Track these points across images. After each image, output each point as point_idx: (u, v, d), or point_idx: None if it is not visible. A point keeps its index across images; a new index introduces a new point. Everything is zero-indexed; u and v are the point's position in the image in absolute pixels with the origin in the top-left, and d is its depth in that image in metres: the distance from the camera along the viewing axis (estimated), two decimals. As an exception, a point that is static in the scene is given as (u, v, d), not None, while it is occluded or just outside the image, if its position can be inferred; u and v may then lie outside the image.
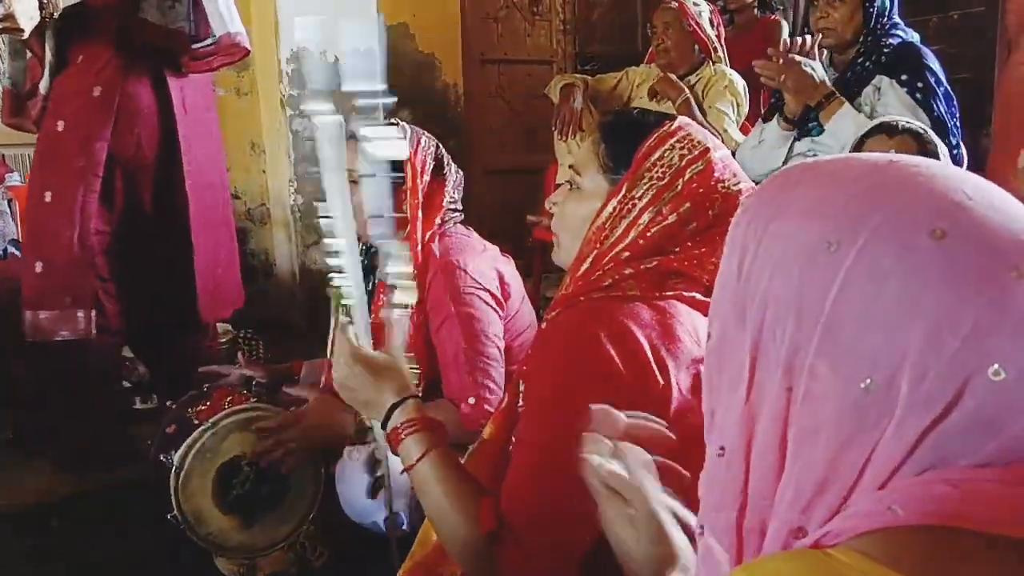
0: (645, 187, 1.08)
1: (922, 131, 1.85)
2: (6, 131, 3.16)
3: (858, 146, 1.91)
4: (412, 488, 1.43)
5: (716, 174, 1.08)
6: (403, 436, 1.05)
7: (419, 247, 1.73)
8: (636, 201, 1.08)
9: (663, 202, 1.07)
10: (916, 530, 0.48)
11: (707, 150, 1.09)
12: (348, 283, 1.12)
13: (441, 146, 1.83)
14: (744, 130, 2.83)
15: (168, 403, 1.99)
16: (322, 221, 1.11)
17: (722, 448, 0.59)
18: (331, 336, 1.95)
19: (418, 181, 1.74)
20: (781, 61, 2.17)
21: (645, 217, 1.07)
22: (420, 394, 1.10)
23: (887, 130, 1.87)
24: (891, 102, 2.16)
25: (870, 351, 0.51)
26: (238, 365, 2.03)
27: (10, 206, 2.89)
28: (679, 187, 1.07)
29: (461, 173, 1.85)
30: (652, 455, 0.80)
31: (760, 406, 0.56)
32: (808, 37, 2.27)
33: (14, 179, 2.92)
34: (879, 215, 0.52)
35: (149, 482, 1.77)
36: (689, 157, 1.08)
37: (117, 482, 2.28)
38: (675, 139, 1.09)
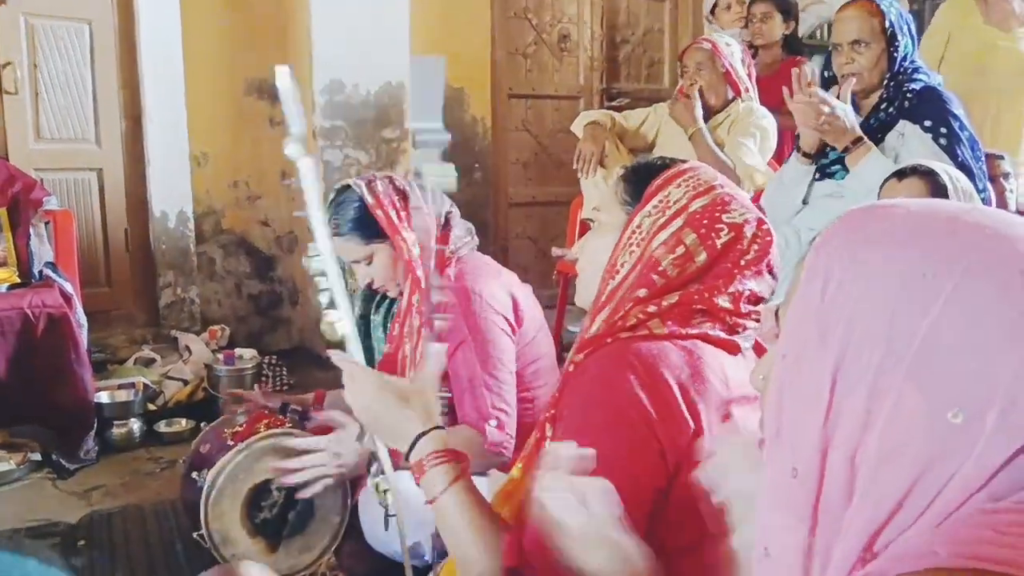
0: (652, 221, 1.11)
1: (932, 172, 1.87)
2: (45, 155, 3.27)
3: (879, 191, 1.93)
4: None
5: (720, 207, 1.11)
6: (427, 468, 1.04)
7: (423, 283, 1.74)
8: (644, 234, 1.11)
9: (669, 234, 1.09)
10: (957, 573, 0.48)
11: (714, 187, 1.12)
12: (341, 317, 1.13)
13: (396, 178, 1.82)
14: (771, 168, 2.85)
15: (203, 424, 2.01)
16: (312, 261, 1.14)
17: (795, 469, 0.59)
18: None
19: (396, 224, 1.73)
20: (811, 98, 2.17)
21: (651, 247, 1.09)
22: (444, 425, 1.09)
23: (896, 175, 1.92)
24: (915, 148, 2.16)
25: (963, 379, 0.52)
26: (258, 393, 2.05)
27: (47, 229, 2.95)
28: (684, 219, 1.10)
29: (436, 193, 1.85)
30: None
31: (836, 428, 0.57)
32: (845, 84, 2.27)
33: (51, 202, 2.98)
34: (975, 252, 0.54)
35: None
36: (694, 193, 1.11)
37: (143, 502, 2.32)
38: (683, 178, 1.13)
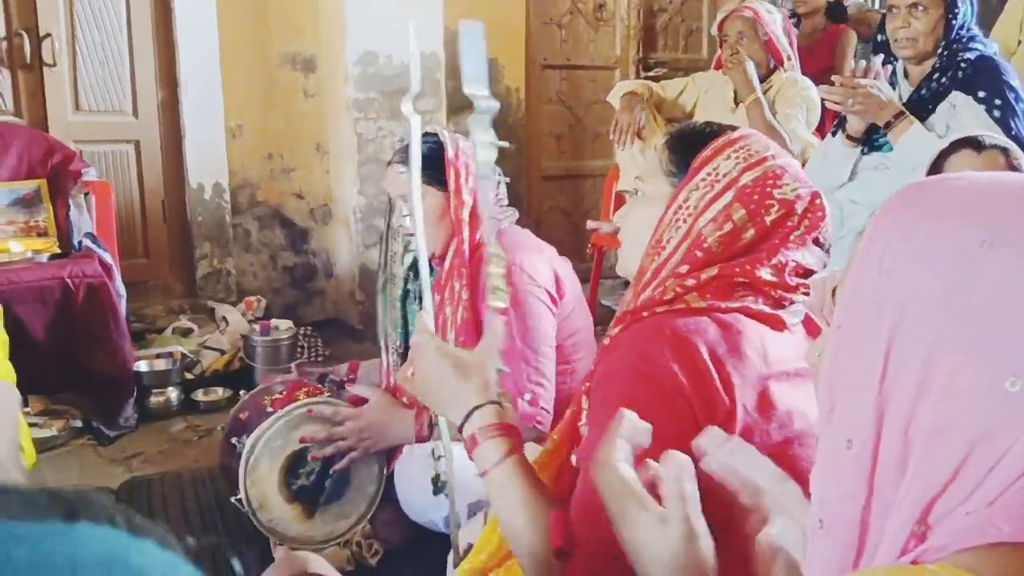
0: (700, 195, 1.07)
1: (1009, 147, 1.79)
2: (84, 127, 3.30)
3: (939, 161, 1.85)
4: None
5: (773, 181, 1.06)
6: (480, 441, 1.01)
7: (466, 246, 1.75)
8: (691, 209, 1.07)
9: (718, 210, 1.05)
10: (1021, 548, 0.47)
11: (765, 158, 1.07)
12: (423, 282, 1.12)
13: None
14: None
15: (240, 392, 2.03)
16: (406, 221, 1.13)
17: (850, 441, 0.58)
18: (383, 335, 1.98)
19: (461, 181, 1.76)
20: (844, 86, 2.11)
21: (699, 224, 1.06)
22: (499, 400, 1.05)
23: (973, 145, 1.82)
24: (967, 120, 2.08)
25: (1020, 349, 0.51)
26: (289, 370, 2.07)
27: (86, 200, 2.98)
28: (734, 194, 1.05)
29: (499, 171, 1.86)
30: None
31: (890, 399, 0.56)
32: (876, 60, 2.20)
33: (90, 174, 3.01)
34: None
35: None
36: (744, 165, 1.07)
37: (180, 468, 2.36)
38: (733, 148, 1.08)
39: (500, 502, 1.01)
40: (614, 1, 4.30)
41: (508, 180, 1.87)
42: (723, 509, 0.99)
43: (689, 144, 1.12)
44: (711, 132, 1.12)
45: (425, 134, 1.85)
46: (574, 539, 0.97)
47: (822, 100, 2.81)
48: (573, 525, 0.98)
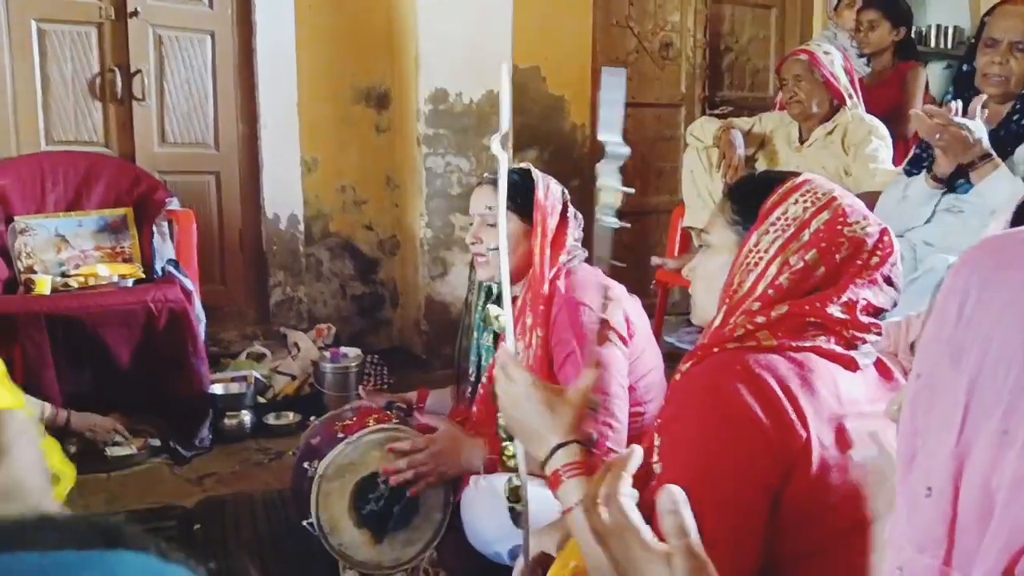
0: (771, 240, 1.09)
1: None
2: (168, 158, 3.46)
3: None
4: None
5: (842, 219, 1.08)
6: (564, 478, 1.03)
7: (546, 284, 1.78)
8: (763, 254, 1.09)
9: (789, 252, 1.07)
10: None
11: (833, 199, 1.10)
12: (503, 311, 1.16)
13: (566, 191, 1.90)
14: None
15: (312, 418, 2.09)
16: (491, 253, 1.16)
17: (929, 488, 0.59)
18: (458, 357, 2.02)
19: (548, 221, 1.81)
20: (938, 121, 2.06)
21: (772, 269, 1.08)
22: (583, 439, 1.07)
23: None
24: None
25: None
26: (357, 395, 2.13)
27: (169, 228, 3.12)
28: (805, 237, 1.07)
29: (581, 216, 1.92)
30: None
31: (971, 448, 0.56)
32: (978, 100, 2.11)
33: (174, 203, 3.14)
34: None
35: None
36: (813, 209, 1.09)
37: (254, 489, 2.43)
38: (799, 192, 1.11)
39: (583, 538, 1.00)
40: (680, 40, 4.34)
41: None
42: (822, 527, 1.00)
43: (751, 193, 1.15)
44: (773, 179, 1.15)
45: (517, 169, 1.91)
46: None
47: (892, 134, 2.81)
48: None
